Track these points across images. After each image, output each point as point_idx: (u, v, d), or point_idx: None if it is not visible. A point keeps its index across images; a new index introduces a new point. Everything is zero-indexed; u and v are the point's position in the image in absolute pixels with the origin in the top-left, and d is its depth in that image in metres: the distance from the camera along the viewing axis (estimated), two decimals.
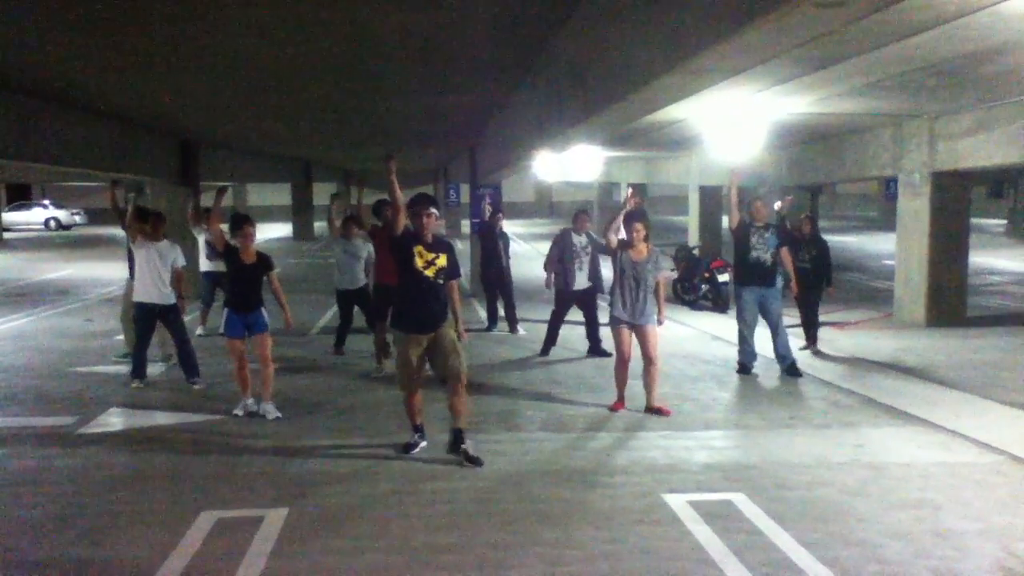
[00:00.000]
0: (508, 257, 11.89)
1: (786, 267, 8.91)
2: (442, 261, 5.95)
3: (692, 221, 19.81)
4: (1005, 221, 34.97)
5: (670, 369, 8.93)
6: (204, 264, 11.14)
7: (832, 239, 17.47)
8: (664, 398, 7.44)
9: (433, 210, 5.93)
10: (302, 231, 35.30)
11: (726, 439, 6.54)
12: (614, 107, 6.97)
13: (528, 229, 36.75)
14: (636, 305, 7.14)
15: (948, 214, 11.81)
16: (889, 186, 19.83)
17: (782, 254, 8.79)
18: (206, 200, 13.84)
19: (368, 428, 6.88)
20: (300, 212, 35.52)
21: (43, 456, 6.20)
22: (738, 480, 5.54)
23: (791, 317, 9.60)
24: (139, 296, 8.29)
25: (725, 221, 9.31)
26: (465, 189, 20.26)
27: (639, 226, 7.19)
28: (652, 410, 7.19)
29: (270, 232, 37.39)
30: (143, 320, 8.31)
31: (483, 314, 12.24)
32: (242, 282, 7.25)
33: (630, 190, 8.67)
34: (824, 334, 10.24)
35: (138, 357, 8.41)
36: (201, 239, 11.11)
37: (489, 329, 11.66)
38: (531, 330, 11.27)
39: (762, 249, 8.60)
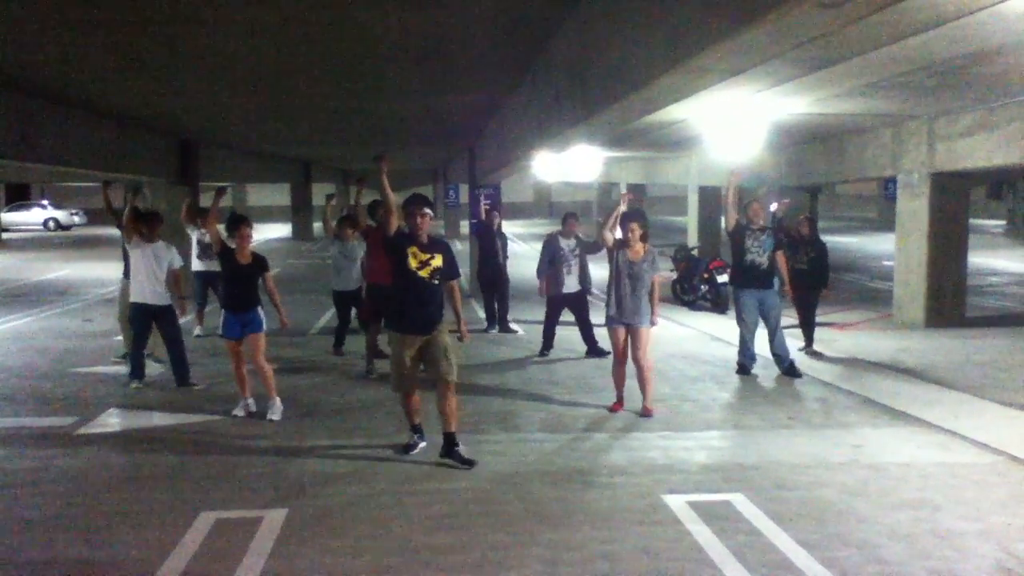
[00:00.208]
0: (506, 257, 11.91)
1: (780, 270, 8.90)
2: (437, 261, 5.94)
3: (691, 222, 19.80)
4: (1004, 222, 35.00)
5: (669, 369, 8.93)
6: (196, 264, 11.14)
7: (831, 240, 17.49)
8: (662, 399, 7.44)
9: (427, 210, 5.92)
10: (301, 231, 35.31)
11: (725, 439, 6.54)
12: (614, 107, 6.96)
13: (528, 229, 36.72)
14: (631, 305, 7.11)
15: (947, 215, 11.81)
16: (888, 187, 19.85)
17: (777, 257, 8.78)
18: (205, 200, 13.83)
19: (367, 428, 6.88)
20: (299, 212, 35.53)
21: (42, 456, 6.20)
22: (737, 481, 5.54)
23: (788, 318, 9.60)
24: (134, 296, 8.28)
25: (723, 222, 9.30)
26: (465, 190, 20.25)
27: (635, 225, 7.18)
28: (641, 412, 7.17)
29: (269, 232, 37.40)
30: (139, 320, 8.31)
31: (482, 314, 12.25)
32: (238, 283, 7.25)
33: (624, 191, 8.70)
34: (824, 335, 10.25)
35: (136, 358, 8.40)
36: (194, 237, 11.11)
37: (488, 329, 11.67)
38: (529, 331, 11.28)
39: (758, 252, 8.60)
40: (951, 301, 11.97)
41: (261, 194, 47.42)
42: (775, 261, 8.73)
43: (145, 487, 5.56)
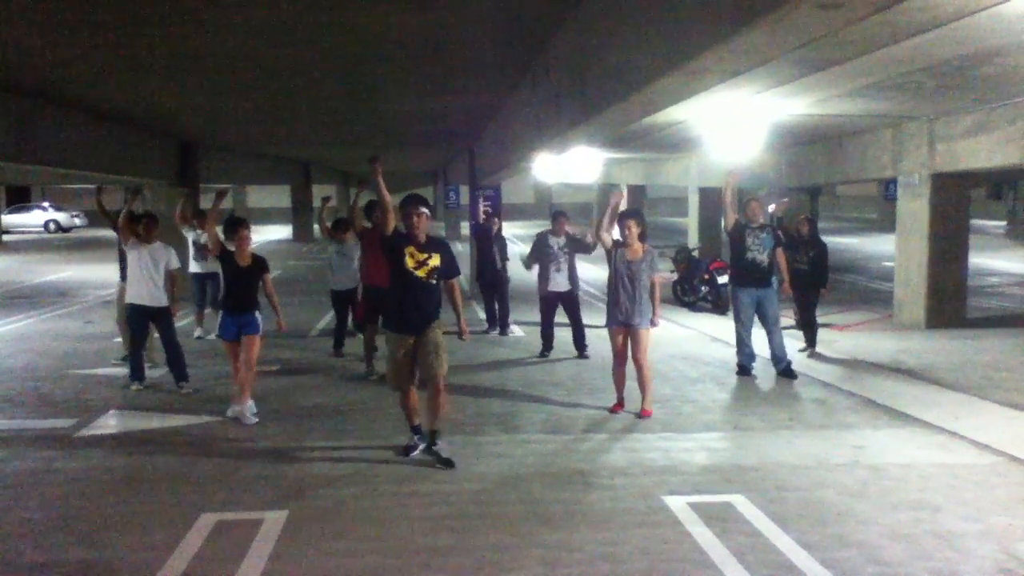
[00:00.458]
0: (506, 259, 11.92)
1: (780, 269, 8.91)
2: (435, 261, 5.93)
3: (692, 222, 19.81)
4: (1004, 222, 34.99)
5: (670, 370, 8.93)
6: (193, 265, 11.12)
7: (832, 240, 17.48)
8: (663, 400, 7.43)
9: (423, 210, 5.92)
10: (301, 233, 35.30)
11: (726, 441, 6.54)
12: (614, 108, 6.97)
13: (527, 230, 36.65)
14: (631, 305, 7.07)
15: (947, 216, 11.81)
16: (888, 187, 19.82)
17: (777, 255, 8.79)
18: (205, 202, 13.81)
19: (367, 430, 6.88)
20: (299, 214, 35.52)
21: (43, 458, 6.19)
22: (738, 482, 5.54)
23: (787, 318, 9.59)
24: (131, 298, 8.27)
25: (723, 223, 9.31)
26: (465, 191, 20.26)
27: (632, 223, 7.12)
28: (639, 413, 7.17)
29: (270, 234, 37.40)
30: (136, 322, 8.29)
31: (483, 315, 12.26)
32: (237, 285, 7.24)
33: (620, 190, 8.70)
34: (824, 335, 10.24)
35: (135, 359, 8.40)
36: (190, 239, 11.09)
37: (488, 331, 11.68)
38: (530, 332, 11.28)
39: (758, 250, 8.60)
40: (951, 302, 11.97)
41: (261, 196, 47.41)
42: (775, 259, 8.74)
43: (145, 489, 5.56)
